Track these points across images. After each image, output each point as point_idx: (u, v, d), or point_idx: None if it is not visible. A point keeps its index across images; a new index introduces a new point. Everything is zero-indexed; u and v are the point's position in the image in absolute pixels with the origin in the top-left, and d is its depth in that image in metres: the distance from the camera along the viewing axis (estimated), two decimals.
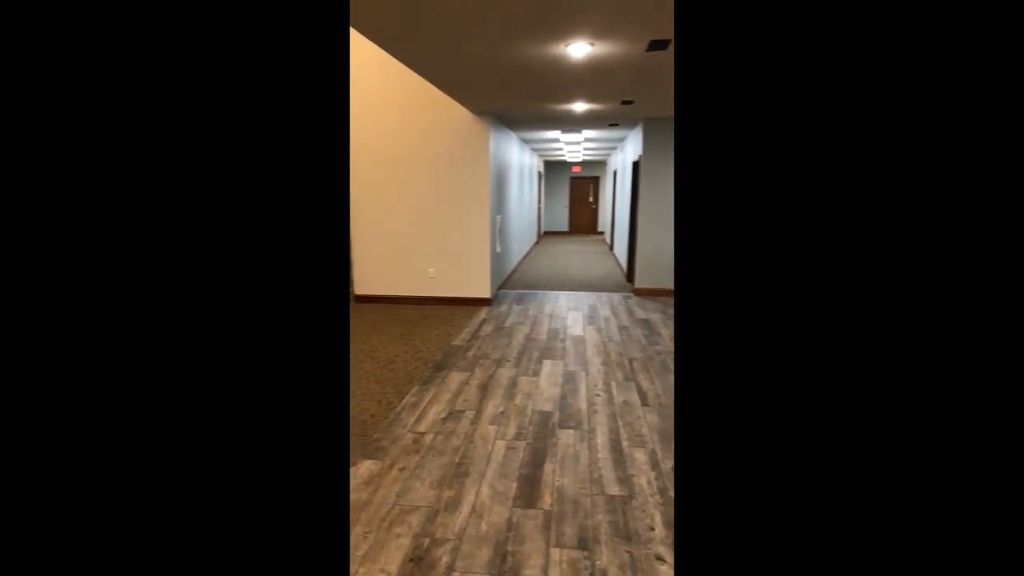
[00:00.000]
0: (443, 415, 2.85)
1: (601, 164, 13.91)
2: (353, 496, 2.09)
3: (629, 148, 7.26)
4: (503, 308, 5.42)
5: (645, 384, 3.32)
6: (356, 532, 1.87)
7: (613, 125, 6.28)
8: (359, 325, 4.69)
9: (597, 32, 2.51)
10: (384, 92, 5.19)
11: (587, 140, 8.37)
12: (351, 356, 3.81)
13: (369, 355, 3.85)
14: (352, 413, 2.86)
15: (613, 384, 3.32)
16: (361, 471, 2.28)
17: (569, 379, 3.41)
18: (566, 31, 2.49)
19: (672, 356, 3.84)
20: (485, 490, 2.15)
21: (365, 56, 5.12)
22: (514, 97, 4.34)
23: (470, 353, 3.90)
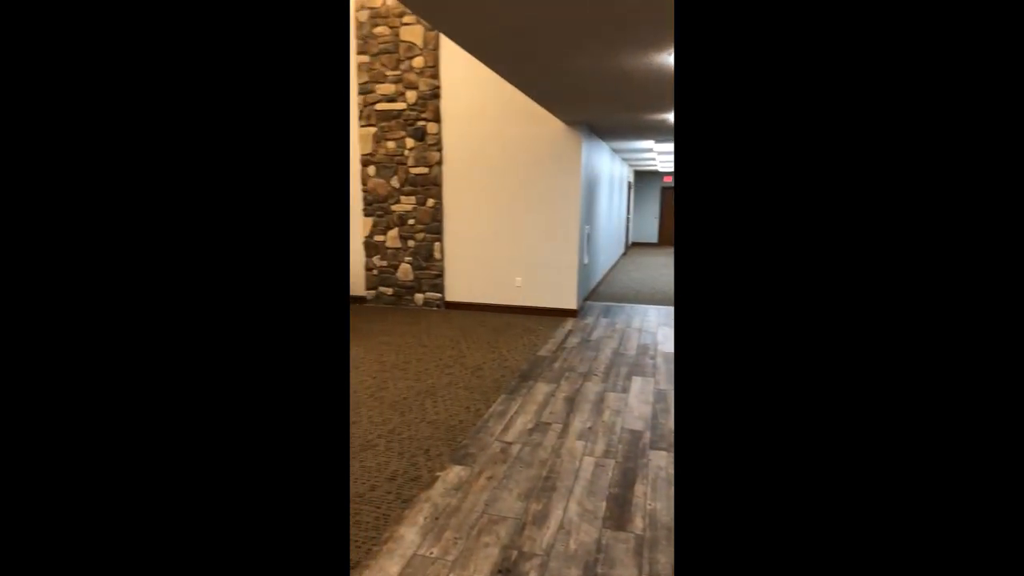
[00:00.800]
0: (530, 426, 2.84)
1: None
2: (442, 500, 2.13)
3: None
4: (589, 320, 5.34)
5: None
6: (446, 536, 1.90)
7: None
8: (448, 331, 4.81)
9: None
10: (477, 102, 5.32)
11: None
12: (441, 360, 3.92)
13: (458, 361, 3.93)
14: (441, 418, 2.93)
15: None
16: (450, 476, 2.32)
17: (660, 398, 3.28)
18: (670, 40, 2.42)
19: None
20: (573, 507, 2.10)
21: (461, 70, 5.29)
22: (610, 108, 4.29)
23: (556, 365, 3.87)
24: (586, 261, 5.99)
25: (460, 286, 5.69)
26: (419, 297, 5.78)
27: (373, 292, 5.92)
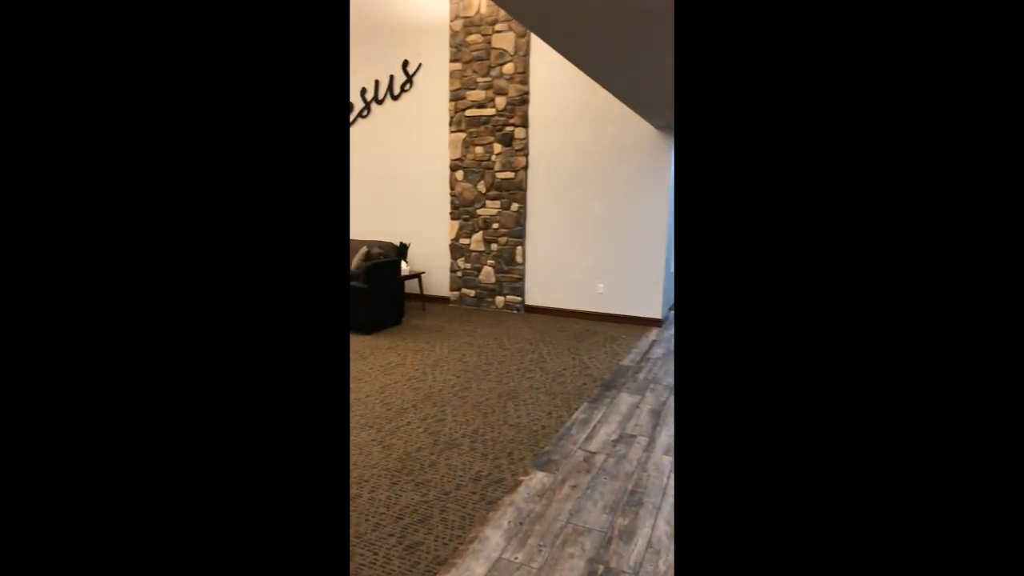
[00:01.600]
0: (614, 437, 2.77)
1: None
2: (526, 505, 2.12)
3: None
4: (674, 331, 5.16)
5: None
6: (531, 543, 1.89)
7: None
8: (528, 334, 4.82)
9: None
10: (565, 107, 5.31)
11: None
12: (522, 364, 3.93)
13: (539, 365, 3.92)
14: (523, 422, 2.93)
15: None
16: (534, 482, 2.31)
17: None
18: None
19: None
20: (661, 525, 2.02)
21: (549, 75, 5.30)
22: None
23: (640, 375, 3.76)
24: (672, 270, 5.79)
25: (540, 290, 5.70)
26: (500, 300, 5.85)
27: (456, 293, 6.06)
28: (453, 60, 5.68)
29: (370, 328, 4.77)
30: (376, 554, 1.81)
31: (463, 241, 5.94)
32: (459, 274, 6.02)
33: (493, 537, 1.92)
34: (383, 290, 4.86)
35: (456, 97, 5.73)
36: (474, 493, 2.21)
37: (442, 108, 5.87)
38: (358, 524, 1.98)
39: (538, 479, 2.33)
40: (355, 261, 5.62)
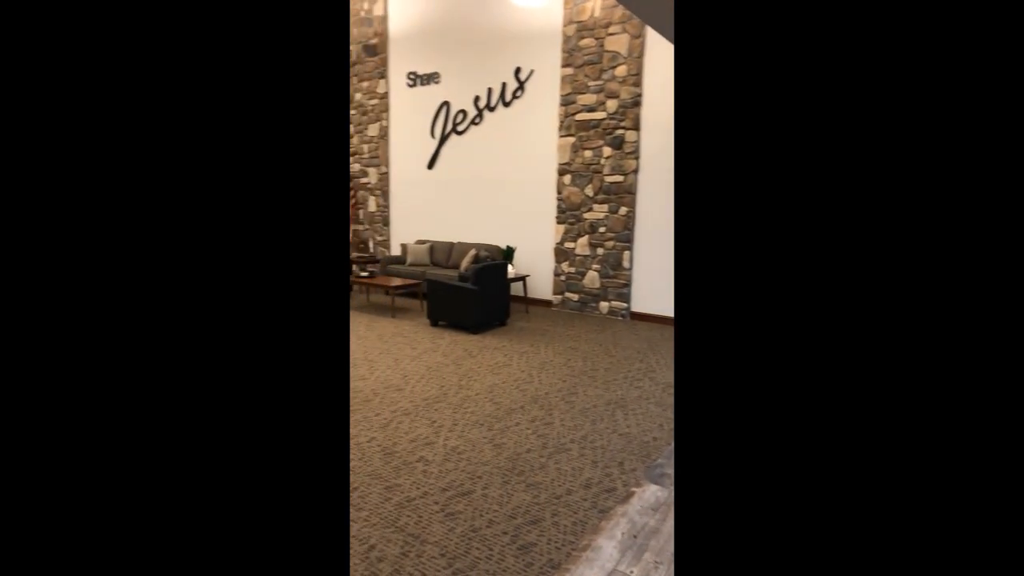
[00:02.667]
0: None
1: None
2: (640, 519, 2.06)
3: None
4: None
5: None
6: (646, 558, 1.83)
7: None
8: (634, 342, 4.70)
9: None
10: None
11: None
12: (629, 372, 3.84)
13: (647, 374, 3.81)
14: (633, 432, 2.86)
15: None
16: (647, 494, 2.24)
17: None
18: None
19: None
20: None
21: (663, 77, 5.14)
22: None
23: None
24: None
25: (647, 297, 5.53)
26: (604, 305, 5.76)
27: (559, 297, 6.06)
28: (565, 65, 5.70)
29: (477, 328, 4.91)
30: (491, 550, 1.85)
31: (568, 245, 5.93)
32: (563, 278, 6.02)
33: (606, 547, 1.88)
34: (490, 292, 4.99)
35: (567, 102, 5.74)
36: (585, 499, 2.18)
37: (552, 113, 5.91)
38: (474, 519, 2.03)
39: (651, 492, 2.26)
40: (464, 263, 5.82)
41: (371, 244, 7.64)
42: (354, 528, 1.93)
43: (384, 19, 7.13)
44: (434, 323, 5.18)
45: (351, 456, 2.48)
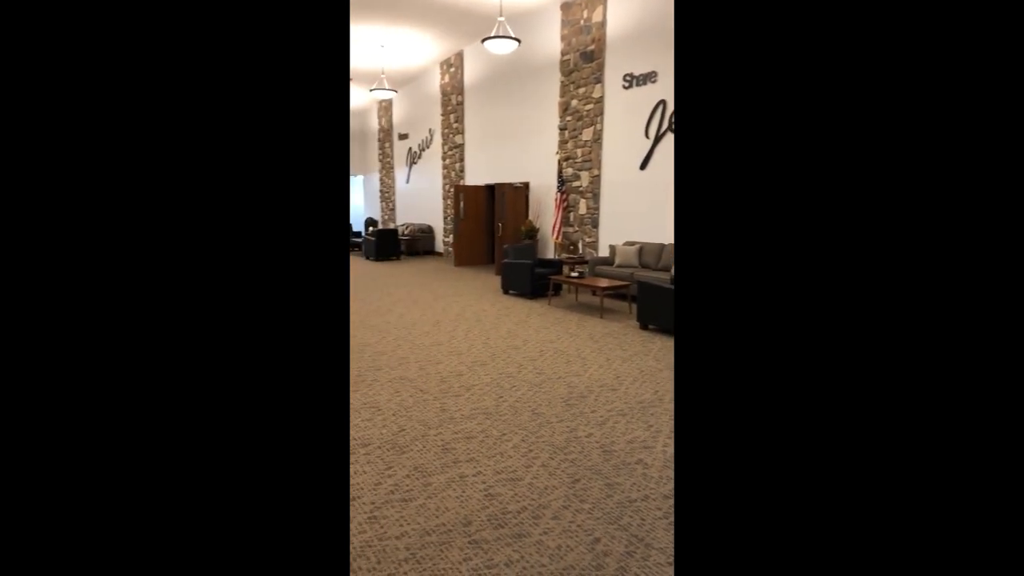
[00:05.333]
0: None
1: None
2: None
3: None
4: None
5: None
6: None
7: None
8: None
9: None
10: None
11: None
12: None
13: None
14: None
15: None
16: None
17: None
18: None
19: None
20: None
21: None
22: None
23: None
24: None
25: None
26: None
27: None
28: None
29: None
30: None
31: None
32: None
33: None
34: None
35: None
36: None
37: None
38: None
39: None
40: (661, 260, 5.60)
41: (580, 245, 7.86)
42: (578, 518, 2.00)
43: (602, 24, 7.25)
44: (643, 326, 5.10)
45: (571, 447, 2.58)
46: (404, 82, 12.15)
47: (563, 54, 7.88)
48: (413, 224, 12.35)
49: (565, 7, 7.74)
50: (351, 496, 2.13)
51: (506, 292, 6.97)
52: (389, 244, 10.94)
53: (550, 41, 8.10)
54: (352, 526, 1.93)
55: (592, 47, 7.42)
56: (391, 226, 13.78)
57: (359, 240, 12.56)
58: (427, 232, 12.01)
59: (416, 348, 4.32)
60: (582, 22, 7.58)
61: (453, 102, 10.66)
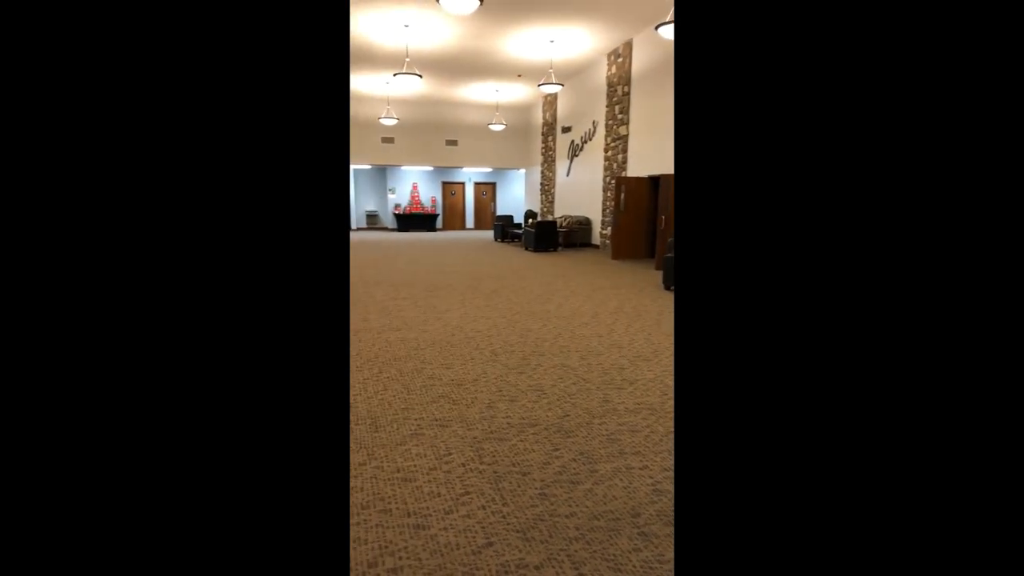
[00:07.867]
0: None
1: None
2: None
3: None
4: None
5: None
6: None
7: None
8: None
9: None
10: None
11: None
12: None
13: None
14: None
15: None
16: None
17: None
18: None
19: None
20: None
21: None
22: None
23: None
24: None
25: None
26: None
27: None
28: None
29: None
30: None
31: None
32: None
33: None
34: None
35: None
36: None
37: None
38: None
39: None
40: None
41: None
42: None
43: None
44: None
45: None
46: (570, 75, 12.27)
47: None
48: (571, 216, 12.48)
49: None
50: (523, 471, 2.26)
51: (668, 288, 6.71)
52: (548, 236, 11.20)
53: None
54: (524, 499, 2.04)
55: None
56: (549, 218, 14.08)
57: (519, 232, 13.06)
58: (585, 224, 12.06)
59: (576, 338, 4.39)
60: None
61: (619, 93, 10.50)
